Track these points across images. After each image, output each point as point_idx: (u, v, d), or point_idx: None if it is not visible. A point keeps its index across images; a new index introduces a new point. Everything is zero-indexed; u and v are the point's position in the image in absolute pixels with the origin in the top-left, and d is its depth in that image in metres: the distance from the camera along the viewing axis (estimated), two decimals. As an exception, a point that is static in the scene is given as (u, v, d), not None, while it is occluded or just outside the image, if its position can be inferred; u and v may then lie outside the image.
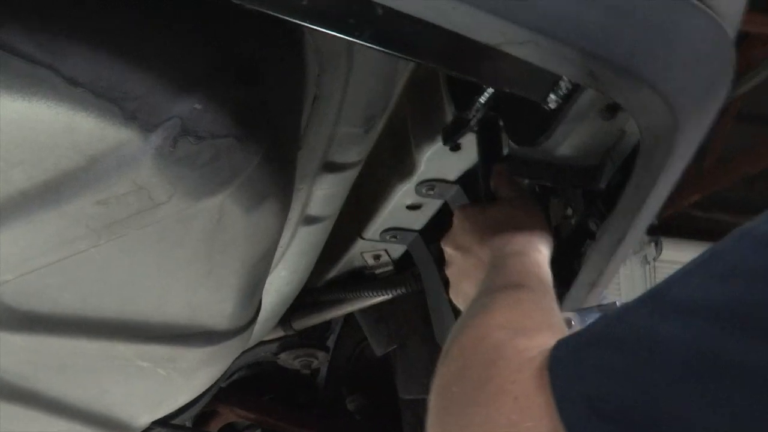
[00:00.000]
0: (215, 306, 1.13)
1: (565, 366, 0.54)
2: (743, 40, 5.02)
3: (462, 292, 1.01)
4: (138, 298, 1.08)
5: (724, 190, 5.67)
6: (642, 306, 0.52)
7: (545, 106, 0.91)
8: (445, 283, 1.33)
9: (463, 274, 0.99)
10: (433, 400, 0.68)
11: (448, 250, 1.04)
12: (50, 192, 0.87)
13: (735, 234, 0.51)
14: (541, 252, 0.93)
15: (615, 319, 0.53)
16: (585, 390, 0.50)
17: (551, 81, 0.89)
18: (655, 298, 0.52)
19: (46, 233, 0.93)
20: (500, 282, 0.84)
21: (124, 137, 0.82)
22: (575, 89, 0.90)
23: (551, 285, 0.89)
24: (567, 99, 0.90)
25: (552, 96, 0.90)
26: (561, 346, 0.56)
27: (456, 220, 1.04)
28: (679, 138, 0.91)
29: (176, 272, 1.04)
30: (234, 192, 0.92)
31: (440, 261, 1.61)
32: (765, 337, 0.42)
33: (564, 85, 0.89)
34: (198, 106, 0.83)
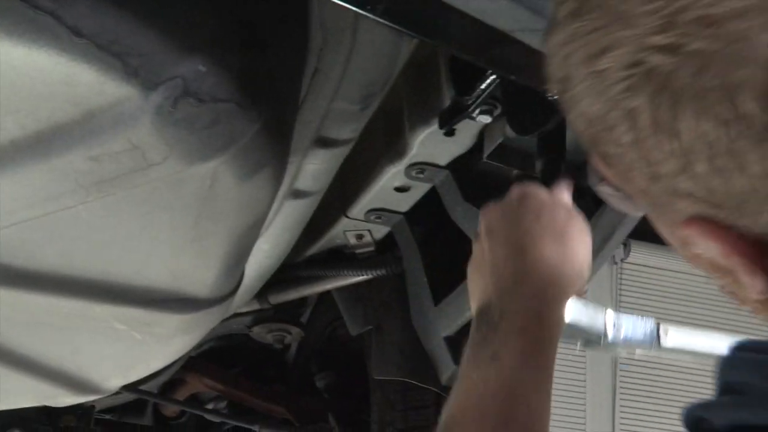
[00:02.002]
0: (198, 273, 1.12)
1: None
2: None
3: (472, 281, 0.86)
4: (120, 259, 1.07)
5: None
6: None
7: (549, 96, 0.91)
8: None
9: (481, 264, 0.84)
10: None
11: (482, 226, 0.86)
12: (42, 144, 0.85)
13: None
14: (567, 292, 0.79)
15: None
16: None
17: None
18: None
19: (33, 186, 0.91)
20: (470, 420, 0.72)
21: (124, 94, 0.80)
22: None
23: (552, 356, 0.75)
24: (572, 91, 0.90)
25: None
26: None
27: (511, 200, 0.85)
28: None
29: (162, 236, 1.03)
30: (229, 159, 0.90)
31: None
32: None
33: (571, 77, 0.88)
34: (202, 68, 0.81)
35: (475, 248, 0.86)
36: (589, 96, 0.48)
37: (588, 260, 0.82)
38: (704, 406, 0.50)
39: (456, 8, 0.74)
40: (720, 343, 0.98)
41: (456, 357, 1.50)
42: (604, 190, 0.56)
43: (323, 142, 1.26)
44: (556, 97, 0.93)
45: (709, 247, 0.51)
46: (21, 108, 0.80)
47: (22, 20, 0.74)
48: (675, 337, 0.92)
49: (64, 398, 1.39)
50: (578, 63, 0.47)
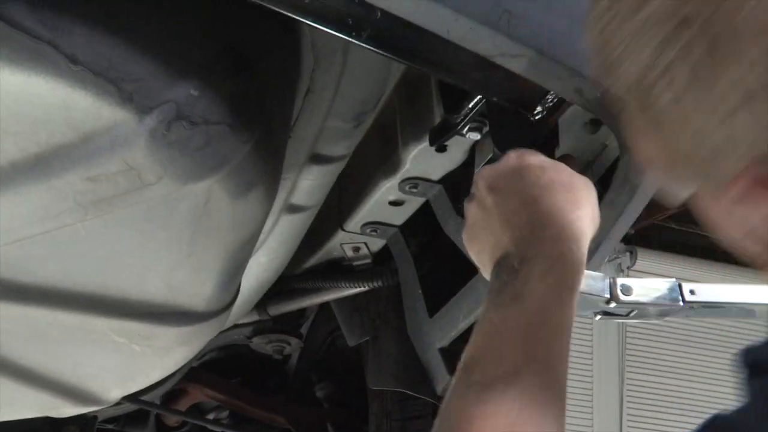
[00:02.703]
0: (194, 288, 1.15)
1: None
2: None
3: (476, 242, 0.84)
4: (118, 274, 1.10)
5: (699, 206, 5.77)
6: None
7: (531, 117, 0.94)
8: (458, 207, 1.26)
9: (484, 223, 0.82)
10: None
11: (482, 185, 0.83)
12: (41, 165, 0.88)
13: None
14: (581, 242, 0.77)
15: None
16: None
17: (539, 94, 0.91)
18: None
19: (33, 205, 0.94)
20: (494, 360, 0.68)
21: (120, 117, 0.84)
22: (561, 103, 0.93)
23: (569, 320, 0.72)
24: (552, 112, 0.93)
25: (538, 108, 0.92)
26: None
27: (509, 159, 0.84)
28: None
29: (158, 252, 1.06)
30: (222, 178, 0.94)
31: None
32: None
33: (550, 99, 0.91)
34: (194, 93, 0.85)
35: (473, 209, 0.84)
36: (627, 58, 0.48)
37: (597, 211, 0.82)
38: (758, 348, 0.50)
39: (437, 35, 0.77)
40: (755, 294, 0.90)
41: (450, 368, 1.53)
42: (651, 171, 0.55)
43: (318, 159, 1.29)
44: (537, 118, 0.97)
45: (759, 209, 0.48)
46: (20, 131, 0.84)
47: (21, 49, 0.77)
48: (701, 291, 0.87)
49: (66, 409, 1.42)
50: (616, 27, 0.48)
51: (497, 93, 0.91)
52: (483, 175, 0.85)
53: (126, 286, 1.11)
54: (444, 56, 0.84)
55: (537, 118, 0.94)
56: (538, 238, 0.75)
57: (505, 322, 0.70)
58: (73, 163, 0.88)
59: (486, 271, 0.81)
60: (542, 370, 0.66)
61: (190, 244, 1.04)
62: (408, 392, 1.68)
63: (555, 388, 0.66)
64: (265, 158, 0.99)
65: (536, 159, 0.83)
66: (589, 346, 5.14)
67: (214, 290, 1.16)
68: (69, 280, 1.09)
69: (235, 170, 0.94)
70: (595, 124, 1.21)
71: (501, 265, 0.76)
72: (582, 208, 0.79)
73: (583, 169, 1.30)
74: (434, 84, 1.23)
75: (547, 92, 0.92)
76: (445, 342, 1.52)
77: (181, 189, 0.93)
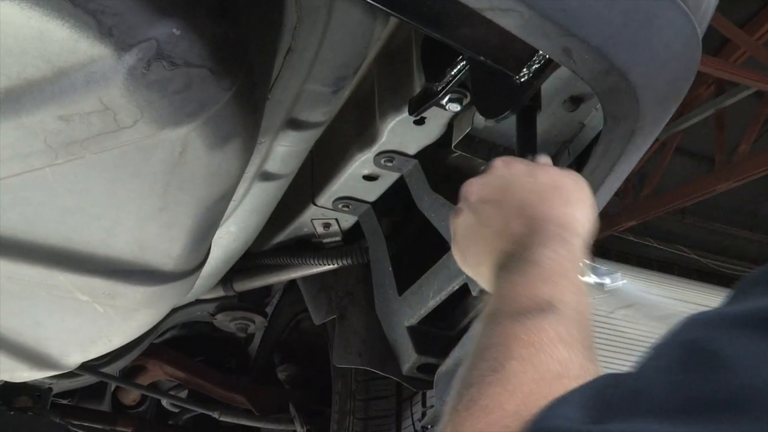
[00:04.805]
0: (164, 245, 1.12)
1: None
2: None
3: (471, 256, 0.83)
4: (86, 226, 1.06)
5: (657, 219, 5.89)
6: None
7: (516, 79, 0.93)
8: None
9: (478, 235, 0.81)
10: None
11: (472, 197, 0.83)
12: (11, 100, 0.85)
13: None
14: (582, 237, 0.78)
15: None
16: None
17: (526, 54, 0.91)
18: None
19: (1, 144, 0.90)
20: (524, 297, 0.66)
21: (97, 53, 0.81)
22: (546, 65, 0.92)
23: (584, 285, 0.72)
24: (538, 75, 0.93)
25: (524, 70, 0.92)
26: None
27: (497, 169, 0.84)
28: (640, 128, 0.94)
29: (129, 204, 1.03)
30: (200, 126, 0.91)
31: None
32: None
33: (537, 60, 0.91)
34: (176, 32, 0.82)
35: (464, 222, 0.84)
36: None
37: (591, 210, 0.81)
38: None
39: (428, -17, 0.76)
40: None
41: (418, 346, 1.51)
42: None
43: (294, 124, 1.27)
44: (522, 80, 0.96)
45: None
46: (-8, 62, 0.80)
47: (-3, -28, 0.74)
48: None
49: (22, 372, 1.38)
50: None
51: (484, 51, 0.90)
52: (474, 188, 0.84)
53: (93, 240, 1.08)
54: (433, 8, 0.83)
55: (522, 80, 0.93)
56: (540, 232, 0.74)
57: (524, 277, 0.68)
58: (46, 99, 0.84)
59: (486, 281, 0.80)
60: (575, 307, 0.64)
61: (163, 196, 1.01)
62: (373, 371, 1.67)
63: (588, 328, 0.63)
64: (245, 109, 0.96)
65: (524, 164, 0.84)
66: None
67: (184, 249, 1.13)
68: (33, 230, 1.06)
69: (214, 118, 0.92)
70: (575, 102, 1.22)
71: (504, 265, 0.74)
72: (578, 210, 0.79)
73: (560, 149, 1.31)
74: (416, 52, 1.22)
75: (534, 54, 0.91)
76: (413, 320, 1.51)
77: (157, 135, 0.90)
